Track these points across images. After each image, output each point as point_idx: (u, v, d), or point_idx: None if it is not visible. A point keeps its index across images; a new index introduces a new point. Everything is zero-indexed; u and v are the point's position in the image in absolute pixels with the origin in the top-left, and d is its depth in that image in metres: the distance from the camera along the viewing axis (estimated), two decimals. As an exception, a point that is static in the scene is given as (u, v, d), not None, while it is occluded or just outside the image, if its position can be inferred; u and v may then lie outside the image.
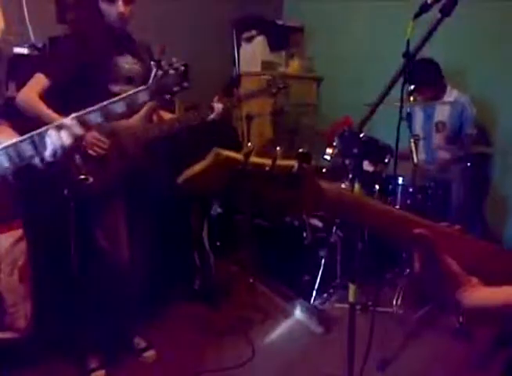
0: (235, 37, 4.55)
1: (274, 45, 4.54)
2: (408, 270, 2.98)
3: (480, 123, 3.49)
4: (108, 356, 2.42)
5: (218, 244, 3.51)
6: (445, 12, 1.38)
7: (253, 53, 4.51)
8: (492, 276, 0.79)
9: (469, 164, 3.07)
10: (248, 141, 3.48)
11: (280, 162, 0.69)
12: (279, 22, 4.66)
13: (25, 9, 3.08)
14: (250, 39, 4.52)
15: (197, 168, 0.68)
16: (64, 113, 2.11)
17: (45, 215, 2.44)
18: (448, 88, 3.46)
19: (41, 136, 1.37)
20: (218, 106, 2.37)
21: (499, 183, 3.66)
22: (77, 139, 1.43)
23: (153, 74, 1.71)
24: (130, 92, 1.58)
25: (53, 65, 2.20)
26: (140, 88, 1.61)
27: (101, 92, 2.18)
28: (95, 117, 1.48)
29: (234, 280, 3.37)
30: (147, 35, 2.50)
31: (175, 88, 1.77)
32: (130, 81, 2.26)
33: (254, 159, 0.68)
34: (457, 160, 3.30)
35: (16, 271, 2.31)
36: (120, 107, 1.53)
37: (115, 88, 2.21)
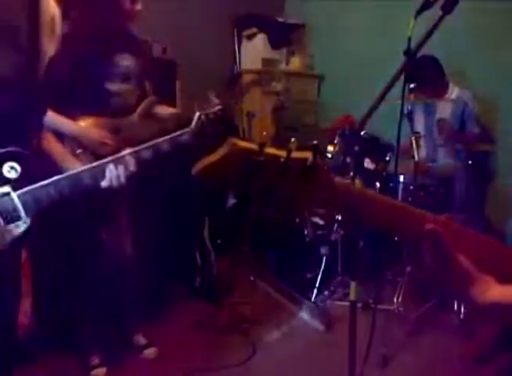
0: (235, 34, 4.54)
1: (275, 43, 4.54)
2: (409, 268, 2.97)
3: (482, 120, 3.48)
4: (109, 353, 2.43)
5: (219, 241, 3.51)
6: (447, 9, 1.37)
7: (254, 51, 4.51)
8: (504, 273, 0.79)
9: (471, 161, 3.06)
10: (250, 138, 3.48)
11: (295, 154, 0.69)
12: (280, 19, 4.66)
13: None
14: (251, 37, 4.52)
15: (213, 157, 0.68)
16: (61, 111, 2.08)
17: (46, 210, 2.44)
18: (451, 85, 3.45)
19: (102, 169, 1.54)
20: (214, 100, 2.36)
21: (502, 181, 3.65)
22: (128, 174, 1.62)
23: (196, 117, 1.89)
24: (175, 134, 1.79)
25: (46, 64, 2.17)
26: (183, 130, 1.82)
27: (98, 90, 2.17)
28: (147, 154, 1.68)
29: (235, 278, 3.37)
30: (148, 34, 2.50)
31: (213, 132, 1.93)
32: (127, 78, 2.24)
33: (269, 150, 0.69)
34: (459, 157, 3.30)
35: (17, 267, 2.31)
36: (166, 147, 1.75)
37: (113, 87, 2.19)
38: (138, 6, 2.20)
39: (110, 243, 2.30)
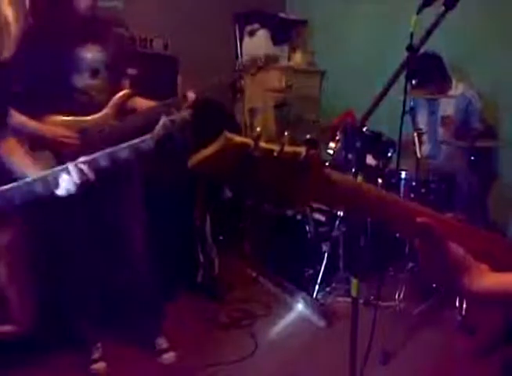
0: (237, 30, 4.53)
1: (277, 39, 4.53)
2: (410, 264, 2.98)
3: (485, 117, 3.47)
4: (109, 348, 2.43)
5: (221, 237, 3.52)
6: (449, 5, 1.37)
7: (255, 47, 4.50)
8: (498, 264, 0.79)
9: (473, 157, 3.05)
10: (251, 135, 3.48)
11: (288, 148, 0.69)
12: (282, 15, 4.65)
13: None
14: (252, 33, 4.51)
15: (207, 151, 0.68)
16: (28, 111, 2.00)
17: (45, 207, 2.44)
18: (454, 82, 3.44)
19: (55, 177, 1.49)
20: (191, 96, 2.31)
21: (504, 178, 3.64)
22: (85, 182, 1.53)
23: (161, 123, 1.74)
24: (135, 141, 1.64)
25: None
26: (145, 136, 1.67)
27: (62, 87, 2.09)
28: (103, 162, 1.58)
29: (237, 274, 3.37)
30: (150, 30, 2.48)
31: (178, 138, 1.80)
32: (95, 72, 2.15)
33: (262, 144, 0.69)
34: (462, 153, 3.29)
35: (17, 264, 2.32)
36: (125, 153, 1.62)
37: (80, 83, 2.12)
38: None
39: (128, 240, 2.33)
